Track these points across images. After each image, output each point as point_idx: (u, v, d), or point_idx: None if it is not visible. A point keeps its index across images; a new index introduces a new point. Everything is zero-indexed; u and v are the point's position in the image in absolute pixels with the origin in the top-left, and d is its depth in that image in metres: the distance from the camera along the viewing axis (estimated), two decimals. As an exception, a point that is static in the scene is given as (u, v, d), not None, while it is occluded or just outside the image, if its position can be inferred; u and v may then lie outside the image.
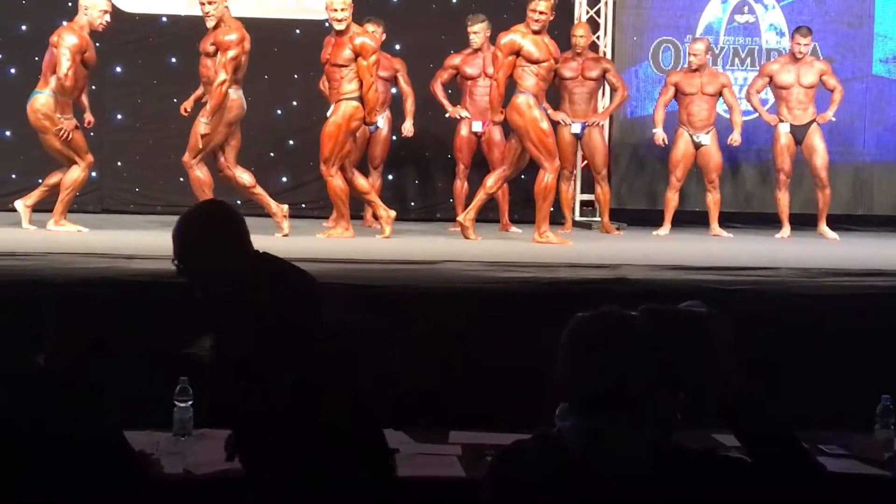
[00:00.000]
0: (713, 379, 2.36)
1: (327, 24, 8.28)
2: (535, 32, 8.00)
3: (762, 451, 2.35)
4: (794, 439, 2.39)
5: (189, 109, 8.35)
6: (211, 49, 7.95)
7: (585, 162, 10.01)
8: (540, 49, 8.02)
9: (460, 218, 8.41)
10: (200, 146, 7.98)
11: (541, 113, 8.10)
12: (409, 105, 9.42)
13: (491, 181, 8.35)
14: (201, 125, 7.97)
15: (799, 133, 9.40)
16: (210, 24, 7.93)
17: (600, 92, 9.93)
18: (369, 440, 3.09)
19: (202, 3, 7.91)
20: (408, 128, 9.47)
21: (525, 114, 8.01)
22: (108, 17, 8.06)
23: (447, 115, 9.46)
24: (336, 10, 7.94)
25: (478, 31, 9.26)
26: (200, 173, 8.08)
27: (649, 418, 2.33)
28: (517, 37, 7.99)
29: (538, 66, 8.04)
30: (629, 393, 2.32)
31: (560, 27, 10.05)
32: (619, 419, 2.32)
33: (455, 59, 9.45)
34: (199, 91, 8.32)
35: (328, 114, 8.17)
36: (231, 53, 7.85)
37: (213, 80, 7.95)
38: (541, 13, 7.96)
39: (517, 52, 7.98)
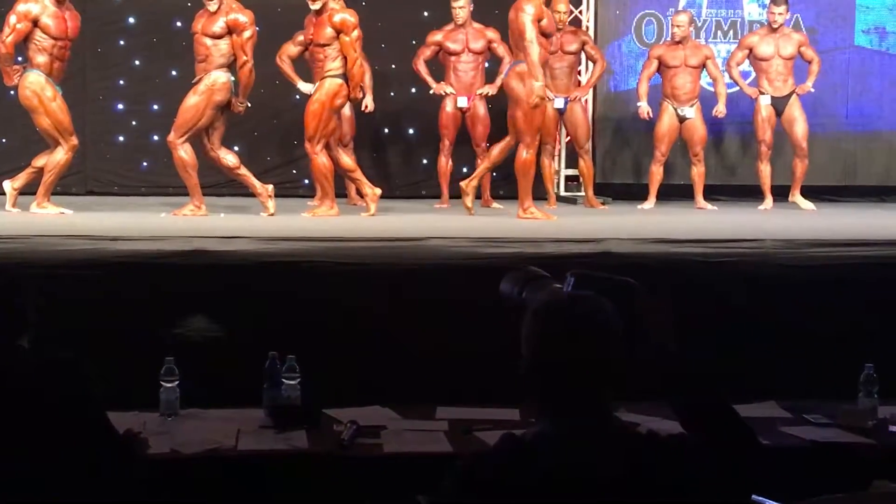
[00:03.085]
0: (643, 351, 2.32)
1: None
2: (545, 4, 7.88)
3: (697, 425, 2.30)
4: (731, 411, 2.33)
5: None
6: (218, 30, 7.86)
7: (569, 137, 10.01)
8: (551, 23, 7.96)
9: (463, 183, 8.24)
10: (190, 126, 7.91)
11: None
12: (367, 80, 9.24)
13: (496, 151, 8.24)
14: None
15: (779, 105, 9.41)
16: (212, 7, 7.86)
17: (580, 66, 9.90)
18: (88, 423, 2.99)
19: None
20: (368, 103, 9.32)
21: (527, 84, 7.85)
22: None
23: (431, 92, 9.41)
24: (310, -11, 7.88)
25: (462, 5, 9.18)
26: (185, 154, 8.02)
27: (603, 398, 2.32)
28: (540, 5, 7.73)
29: (546, 39, 7.94)
30: (582, 373, 2.31)
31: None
32: (584, 411, 2.30)
33: (437, 36, 9.38)
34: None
35: (312, 91, 8.13)
36: (247, 34, 7.83)
37: (211, 59, 7.89)
38: None
39: (539, 20, 7.76)
